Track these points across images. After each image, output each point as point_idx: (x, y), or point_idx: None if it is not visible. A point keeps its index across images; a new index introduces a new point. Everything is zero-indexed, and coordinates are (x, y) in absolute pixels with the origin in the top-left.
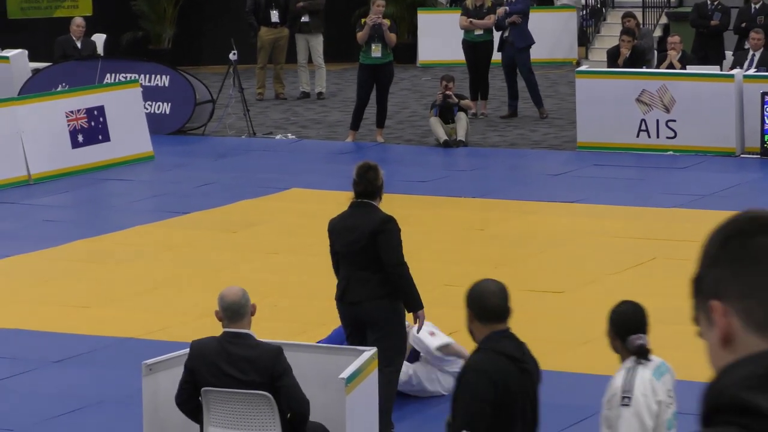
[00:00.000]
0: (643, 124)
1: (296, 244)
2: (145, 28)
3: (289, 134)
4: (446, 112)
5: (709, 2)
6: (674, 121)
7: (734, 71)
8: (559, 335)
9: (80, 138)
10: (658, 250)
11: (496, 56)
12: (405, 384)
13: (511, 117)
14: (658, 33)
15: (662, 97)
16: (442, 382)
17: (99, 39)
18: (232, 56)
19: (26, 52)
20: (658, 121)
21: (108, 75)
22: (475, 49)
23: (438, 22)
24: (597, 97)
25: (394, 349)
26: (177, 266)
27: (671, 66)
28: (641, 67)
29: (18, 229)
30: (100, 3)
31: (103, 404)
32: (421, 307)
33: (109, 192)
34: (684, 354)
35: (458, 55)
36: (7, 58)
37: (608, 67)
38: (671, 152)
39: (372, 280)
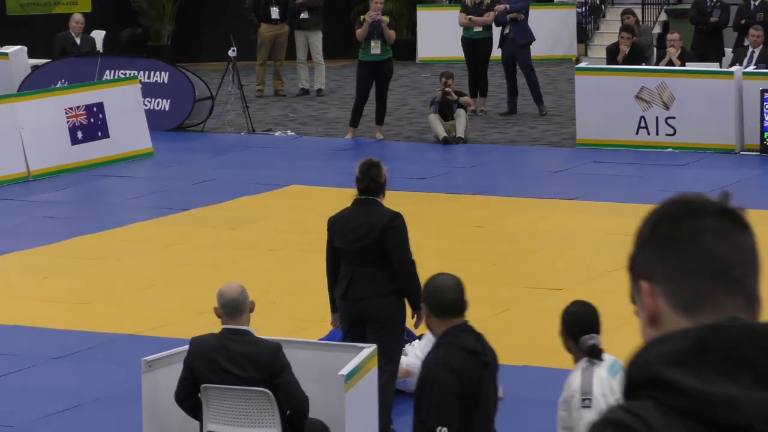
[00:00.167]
0: (643, 121)
1: (295, 240)
2: (145, 25)
3: (288, 131)
4: (445, 109)
5: None
6: (674, 118)
7: (734, 68)
8: (558, 333)
9: (79, 134)
10: None
11: (496, 53)
12: (404, 382)
13: (510, 114)
14: (657, 30)
15: (661, 94)
16: None
17: (98, 35)
18: (232, 53)
19: (25, 48)
20: (657, 118)
21: (107, 71)
22: (475, 46)
23: (437, 18)
24: (596, 94)
25: (394, 347)
26: (176, 263)
27: (671, 63)
28: (640, 64)
29: (17, 226)
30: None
31: (103, 401)
32: None
33: (109, 188)
34: None
35: (457, 52)
36: (6, 54)
37: (607, 64)
38: (671, 149)
39: (377, 276)
